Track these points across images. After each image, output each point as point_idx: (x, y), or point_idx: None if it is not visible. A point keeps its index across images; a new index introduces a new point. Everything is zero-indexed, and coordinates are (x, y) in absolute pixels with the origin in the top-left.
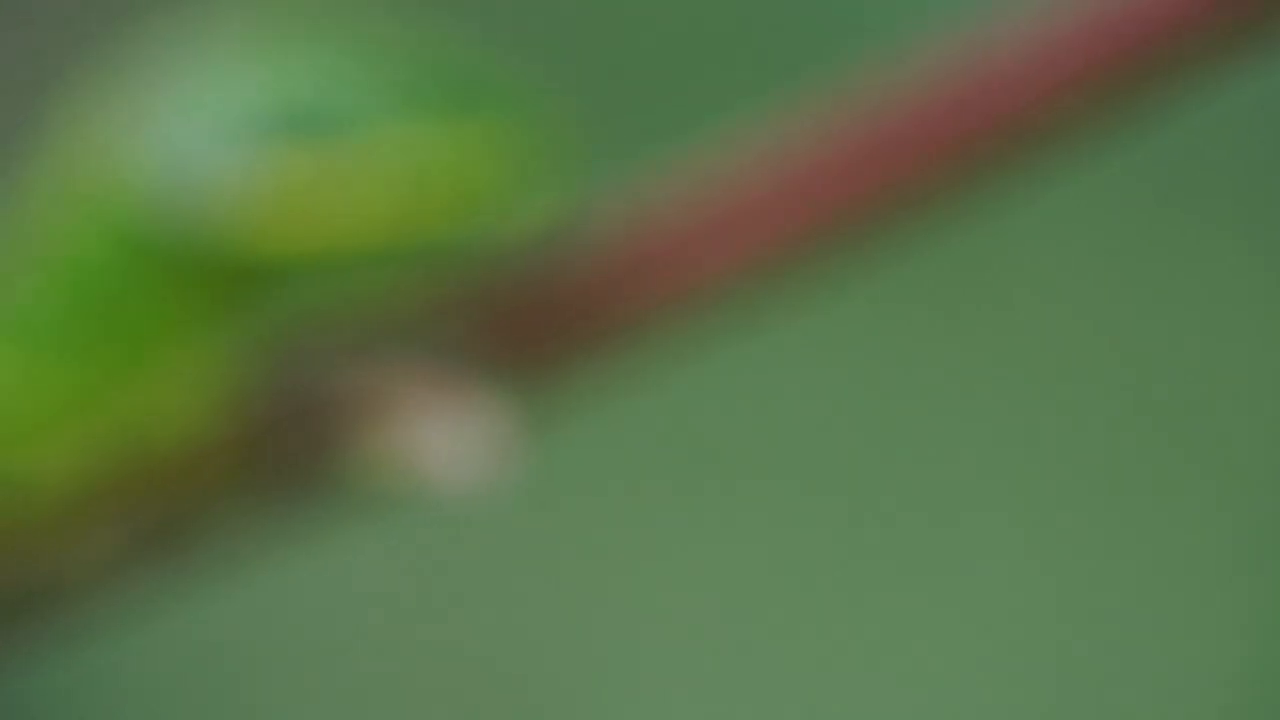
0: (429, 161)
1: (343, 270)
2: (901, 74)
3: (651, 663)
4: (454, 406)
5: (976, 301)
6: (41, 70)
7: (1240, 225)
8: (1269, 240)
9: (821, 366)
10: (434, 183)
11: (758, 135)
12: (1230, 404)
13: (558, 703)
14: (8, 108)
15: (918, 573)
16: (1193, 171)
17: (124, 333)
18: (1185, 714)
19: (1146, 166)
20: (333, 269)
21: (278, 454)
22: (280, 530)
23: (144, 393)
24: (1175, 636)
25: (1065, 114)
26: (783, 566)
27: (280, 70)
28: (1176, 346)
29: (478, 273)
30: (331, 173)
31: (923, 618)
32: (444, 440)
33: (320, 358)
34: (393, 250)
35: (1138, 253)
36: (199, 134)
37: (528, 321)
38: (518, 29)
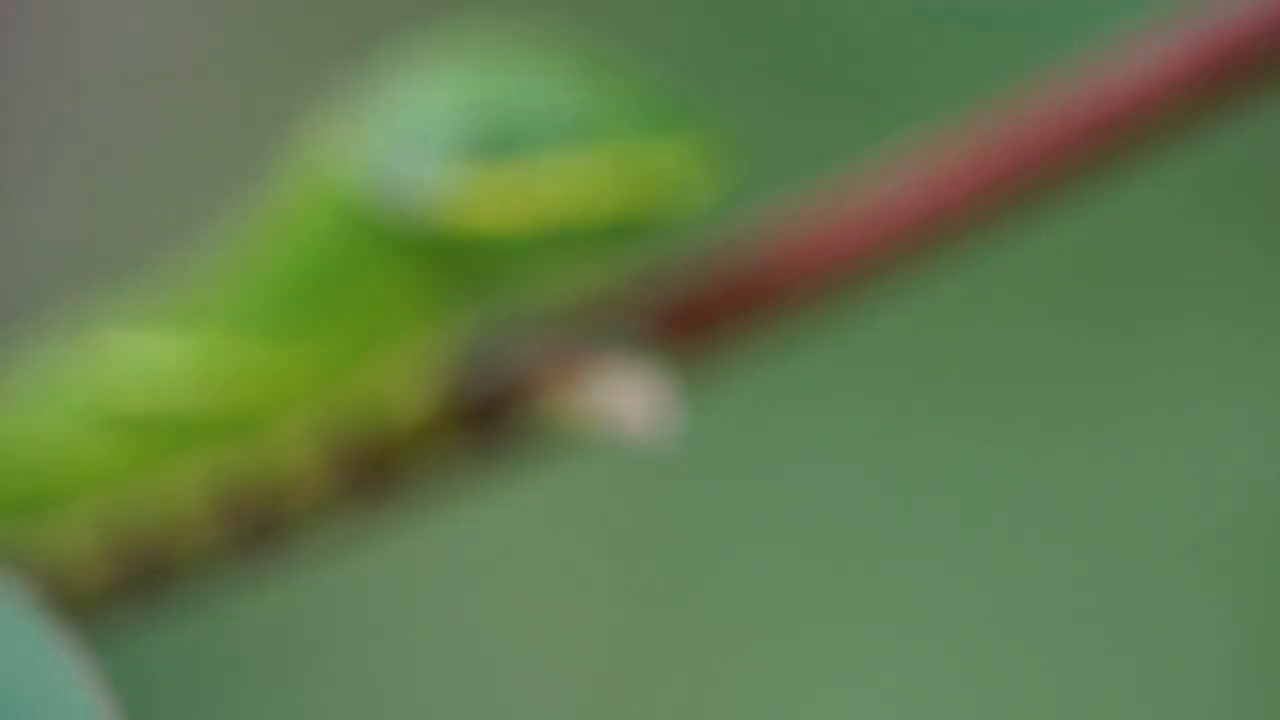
0: (610, 169)
1: (532, 258)
2: (1028, 93)
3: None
4: (627, 373)
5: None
6: (292, 82)
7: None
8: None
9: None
10: (615, 187)
11: (902, 149)
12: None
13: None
14: (262, 118)
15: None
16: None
17: (349, 314)
18: None
19: None
20: (524, 256)
21: (479, 414)
22: (477, 480)
23: (367, 369)
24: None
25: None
26: None
27: (486, 91)
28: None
29: (653, 262)
30: (522, 180)
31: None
32: (617, 400)
33: (518, 333)
34: (577, 242)
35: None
36: (418, 143)
37: (692, 304)
38: (692, 48)
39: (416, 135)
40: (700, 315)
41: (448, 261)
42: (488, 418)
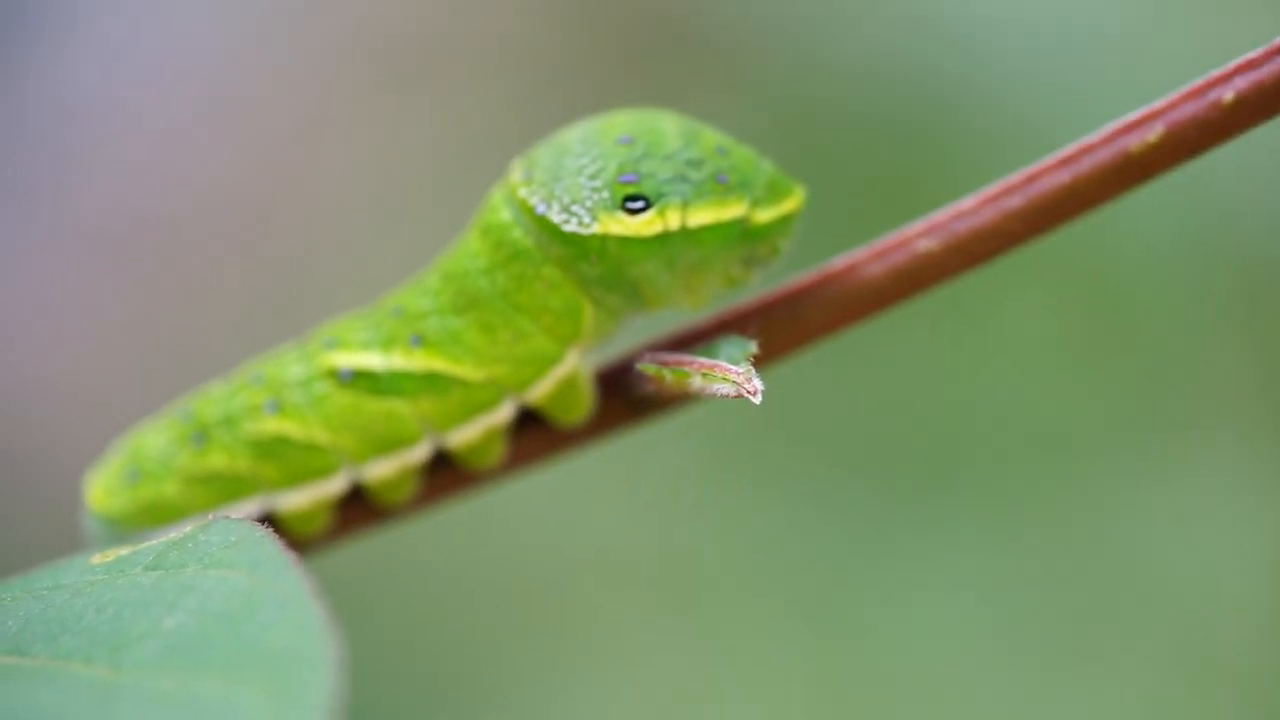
0: (736, 221)
1: (671, 285)
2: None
3: None
4: (736, 364)
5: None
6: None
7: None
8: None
9: None
10: (739, 235)
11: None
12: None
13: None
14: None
15: None
16: None
17: (524, 324)
18: None
19: None
20: (665, 283)
21: (625, 392)
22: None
23: (538, 371)
24: None
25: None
26: None
27: (631, 150)
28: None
29: (752, 285)
30: (652, 225)
31: None
32: (727, 381)
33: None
34: (707, 274)
35: None
36: (576, 187)
37: (776, 319)
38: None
39: (585, 182)
40: (784, 338)
41: (604, 280)
42: (634, 406)
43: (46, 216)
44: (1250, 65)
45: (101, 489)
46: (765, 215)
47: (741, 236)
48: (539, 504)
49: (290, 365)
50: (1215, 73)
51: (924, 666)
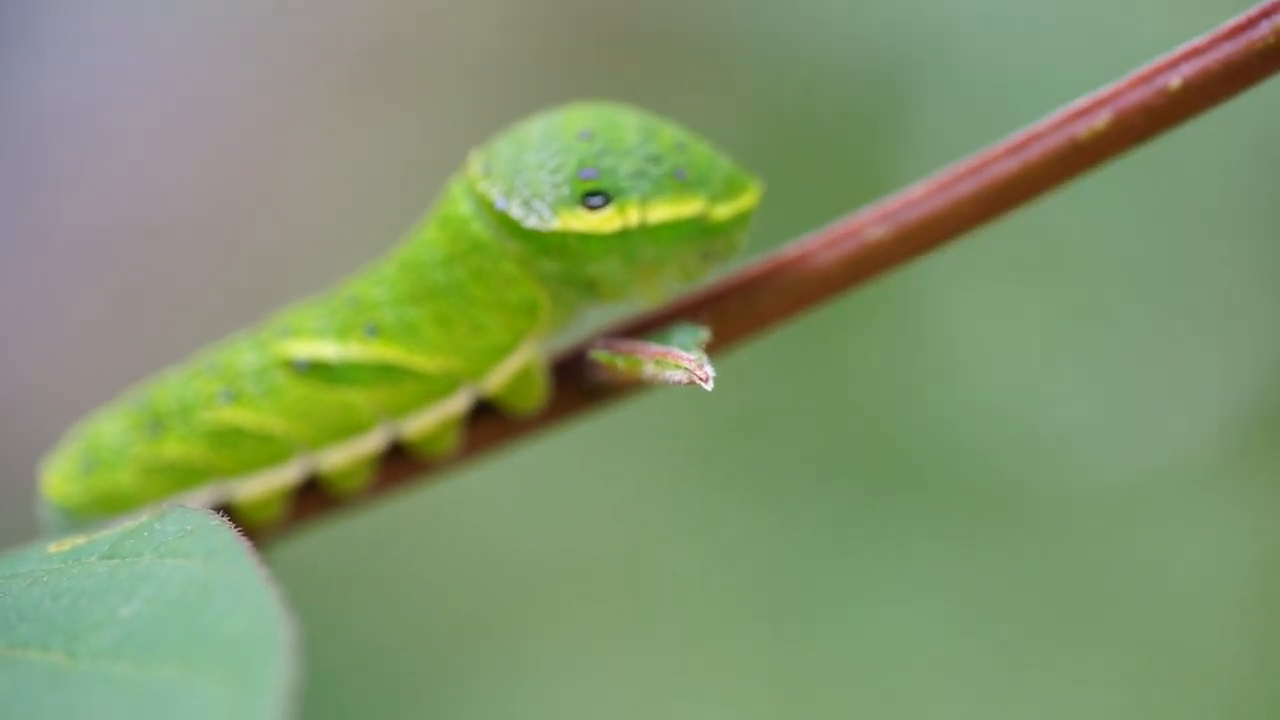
0: (692, 215)
1: (628, 275)
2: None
3: None
4: (688, 350)
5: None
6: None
7: None
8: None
9: None
10: (695, 227)
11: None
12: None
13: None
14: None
15: None
16: None
17: (479, 315)
18: None
19: None
20: (621, 274)
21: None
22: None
23: (493, 361)
24: None
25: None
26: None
27: (591, 145)
28: None
29: (708, 278)
30: (611, 222)
31: None
32: (679, 368)
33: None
34: (662, 265)
35: None
36: (536, 182)
37: (728, 307)
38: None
39: (545, 177)
40: (736, 325)
41: (562, 275)
42: (587, 395)
43: (21, 222)
44: (1196, 52)
45: (58, 477)
46: (723, 211)
47: (699, 232)
48: (506, 501)
49: (245, 354)
50: (1161, 59)
51: (892, 670)
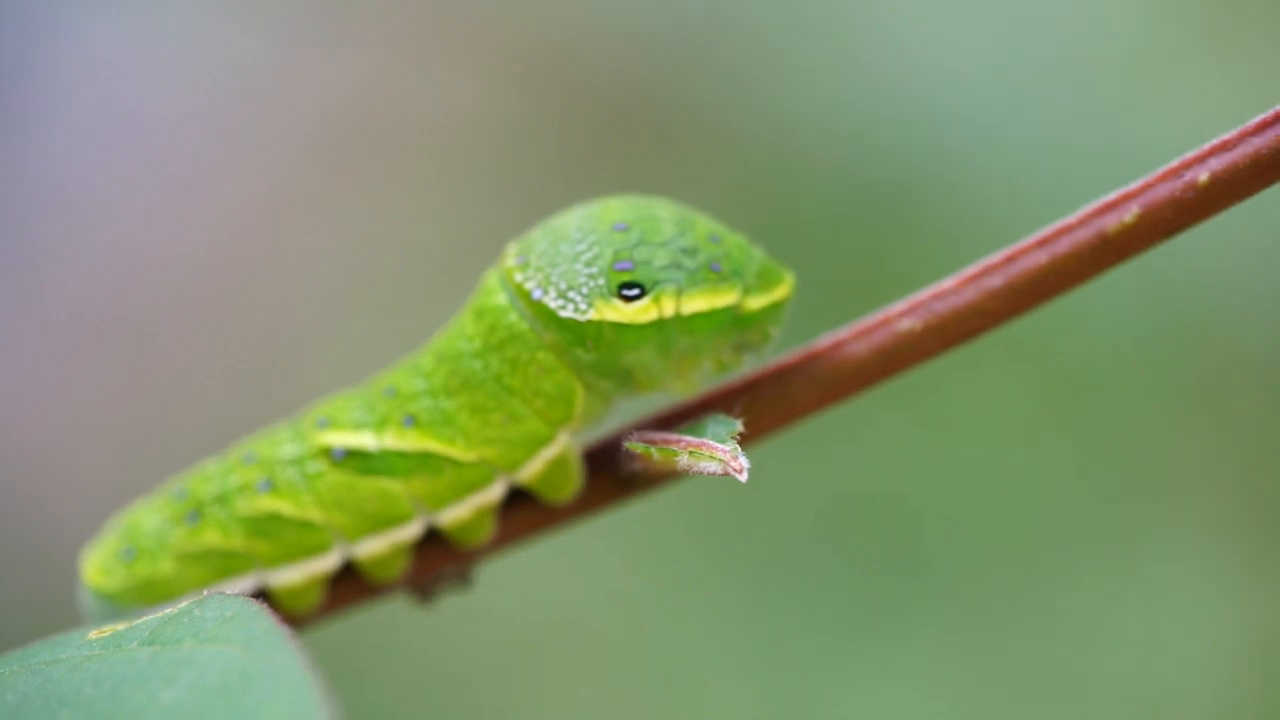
0: (720, 304)
1: (663, 366)
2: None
3: None
4: (722, 442)
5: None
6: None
7: None
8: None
9: None
10: (722, 318)
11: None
12: None
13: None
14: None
15: None
16: None
17: (515, 405)
18: None
19: None
20: (656, 365)
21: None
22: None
23: (528, 451)
24: None
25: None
26: None
27: (627, 237)
28: None
29: (740, 369)
30: (647, 312)
31: None
32: (714, 459)
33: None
34: (697, 357)
35: None
36: (572, 273)
37: (761, 397)
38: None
39: (581, 268)
40: (769, 417)
41: (598, 365)
42: (621, 484)
43: (18, 301)
44: (1224, 146)
45: (97, 566)
46: (757, 302)
47: (734, 323)
48: (513, 577)
49: (284, 444)
50: (1189, 154)
51: None
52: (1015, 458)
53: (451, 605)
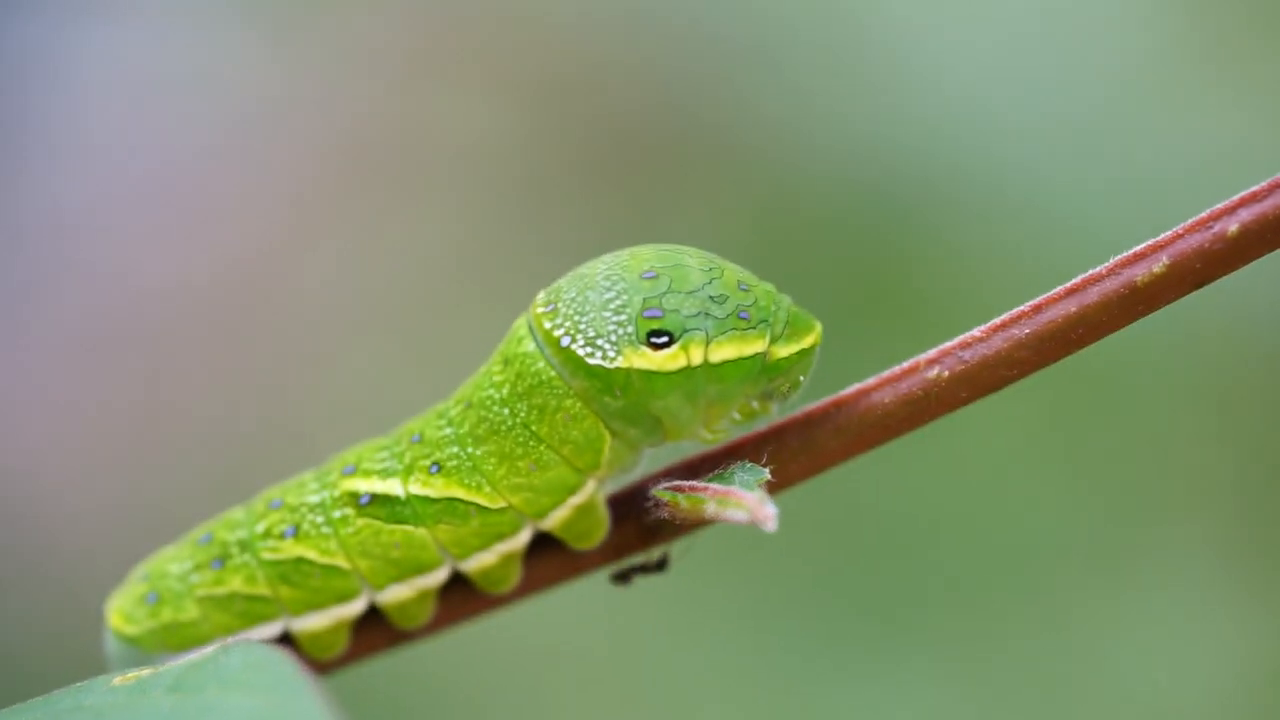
0: (749, 352)
1: (690, 413)
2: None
3: None
4: (750, 490)
5: None
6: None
7: None
8: None
9: None
10: (750, 365)
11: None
12: None
13: None
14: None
15: None
16: None
17: (543, 452)
18: None
19: None
20: (684, 412)
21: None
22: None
23: (556, 501)
24: None
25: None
26: None
27: (656, 285)
28: None
29: (768, 417)
30: (675, 360)
31: None
32: (741, 508)
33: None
34: (725, 405)
35: None
36: (601, 320)
37: (788, 445)
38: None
39: (610, 315)
40: (797, 465)
41: (625, 413)
42: (648, 531)
43: (25, 324)
44: (1254, 198)
45: (122, 612)
46: (785, 350)
47: (762, 371)
48: (529, 608)
49: (310, 491)
50: (1219, 205)
51: None
52: (1020, 478)
53: (473, 640)
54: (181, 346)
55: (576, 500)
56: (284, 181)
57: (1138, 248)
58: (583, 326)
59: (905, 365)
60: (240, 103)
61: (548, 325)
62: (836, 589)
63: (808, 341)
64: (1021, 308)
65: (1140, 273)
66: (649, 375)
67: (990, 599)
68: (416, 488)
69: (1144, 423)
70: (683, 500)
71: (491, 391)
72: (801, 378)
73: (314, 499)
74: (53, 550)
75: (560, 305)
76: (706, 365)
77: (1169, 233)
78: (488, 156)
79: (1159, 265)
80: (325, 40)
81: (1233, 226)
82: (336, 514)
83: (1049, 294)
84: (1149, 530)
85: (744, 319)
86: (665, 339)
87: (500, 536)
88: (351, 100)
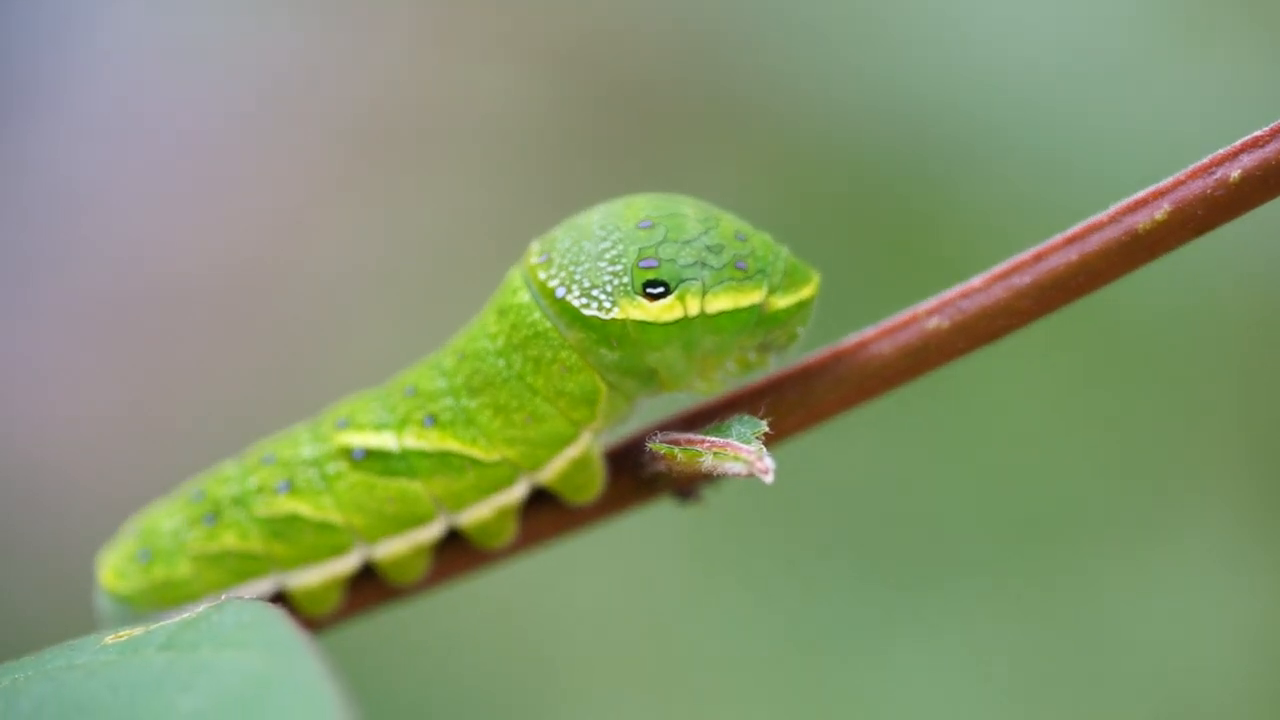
0: (745, 303)
1: (688, 364)
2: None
3: None
4: (747, 443)
5: None
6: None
7: None
8: None
9: None
10: (747, 316)
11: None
12: None
13: None
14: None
15: None
16: None
17: (537, 403)
18: None
19: None
20: (681, 363)
21: (642, 471)
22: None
23: (551, 452)
24: None
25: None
26: None
27: (652, 235)
28: None
29: (765, 369)
30: (671, 310)
31: None
32: (738, 460)
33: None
34: (722, 355)
35: None
36: (596, 271)
37: (786, 398)
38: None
39: (605, 265)
40: (794, 417)
41: (621, 364)
42: (644, 485)
43: (36, 299)
44: (1256, 143)
45: (113, 568)
46: (782, 301)
47: (759, 322)
48: (529, 578)
49: (303, 445)
50: (1221, 150)
51: None
52: (1046, 443)
53: (471, 603)
54: (191, 320)
55: (572, 453)
56: (298, 153)
57: (1139, 194)
58: (578, 277)
59: (904, 315)
60: (252, 74)
61: (542, 276)
62: (865, 555)
63: (805, 293)
64: (1021, 256)
65: (1142, 219)
66: (645, 326)
67: (1019, 563)
68: (411, 441)
69: (1170, 387)
70: (679, 453)
71: (486, 343)
72: (799, 329)
73: (307, 454)
74: (61, 530)
75: (555, 255)
76: (703, 316)
77: (1170, 179)
78: (504, 127)
79: (1160, 212)
80: (344, 9)
81: (1235, 172)
82: (330, 469)
83: (1049, 242)
84: (1173, 495)
85: (741, 269)
86: (661, 289)
87: (496, 489)
88: (371, 70)
